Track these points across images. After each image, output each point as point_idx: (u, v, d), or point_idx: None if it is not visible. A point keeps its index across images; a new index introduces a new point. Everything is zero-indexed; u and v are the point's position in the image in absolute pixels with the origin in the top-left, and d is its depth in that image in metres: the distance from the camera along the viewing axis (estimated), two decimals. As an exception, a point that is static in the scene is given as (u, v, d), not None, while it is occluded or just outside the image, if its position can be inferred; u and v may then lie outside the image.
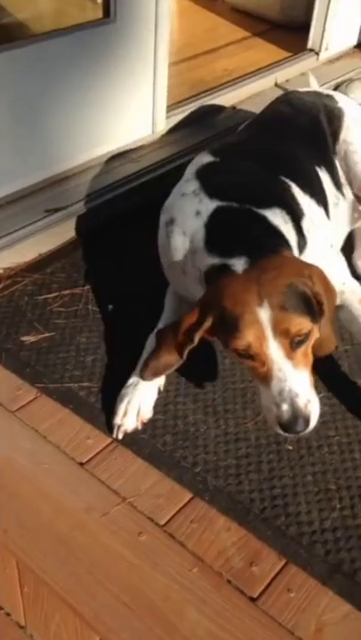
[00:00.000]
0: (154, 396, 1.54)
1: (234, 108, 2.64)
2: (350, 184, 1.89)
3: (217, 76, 2.74)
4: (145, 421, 1.49)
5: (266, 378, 1.27)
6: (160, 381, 1.56)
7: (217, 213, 1.49)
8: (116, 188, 2.18)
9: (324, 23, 2.84)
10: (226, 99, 2.62)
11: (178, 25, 3.16)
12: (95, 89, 2.13)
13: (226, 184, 1.56)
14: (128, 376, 1.56)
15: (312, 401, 1.28)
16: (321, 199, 1.72)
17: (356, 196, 1.91)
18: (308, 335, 1.29)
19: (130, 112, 2.30)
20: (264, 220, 1.46)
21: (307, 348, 1.31)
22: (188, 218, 1.53)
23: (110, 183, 2.18)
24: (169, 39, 2.24)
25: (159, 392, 1.56)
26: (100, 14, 2.11)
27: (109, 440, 1.46)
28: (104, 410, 1.52)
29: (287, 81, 2.82)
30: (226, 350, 1.38)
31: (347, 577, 1.23)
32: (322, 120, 1.87)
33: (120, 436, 1.47)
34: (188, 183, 1.61)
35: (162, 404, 1.55)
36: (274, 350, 1.26)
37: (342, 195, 1.89)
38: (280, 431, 1.27)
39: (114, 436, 1.47)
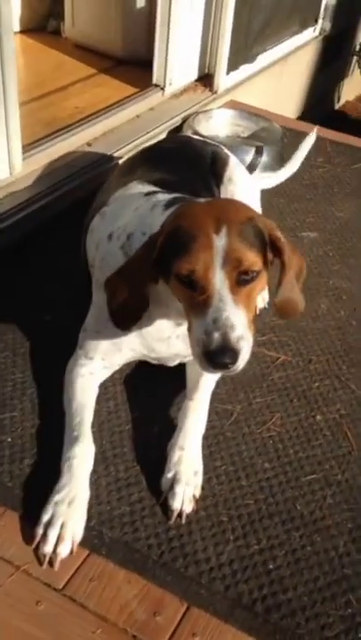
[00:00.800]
0: (86, 507, 1.39)
1: (89, 144, 2.65)
2: None
3: (69, 114, 2.74)
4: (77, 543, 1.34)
5: (203, 307, 1.20)
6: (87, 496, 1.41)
7: (175, 198, 1.49)
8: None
9: (166, 59, 2.94)
10: (81, 136, 2.63)
11: (24, 64, 3.13)
12: None
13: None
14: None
15: (245, 339, 1.20)
16: None
17: None
18: (256, 276, 1.24)
19: (-16, 156, 2.24)
20: None
21: (251, 290, 1.25)
22: (145, 218, 1.46)
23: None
24: (17, 79, 2.21)
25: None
26: None
27: (-4, 508, 1.40)
28: (-13, 476, 1.45)
29: (138, 116, 2.88)
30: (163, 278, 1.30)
31: (247, 610, 1.27)
32: (208, 163, 2.00)
33: (57, 568, 1.30)
34: (140, 200, 1.55)
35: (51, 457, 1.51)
36: (219, 279, 1.19)
37: None
38: (205, 365, 1.20)
39: (45, 567, 1.30)
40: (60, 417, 1.55)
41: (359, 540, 1.42)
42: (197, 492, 1.47)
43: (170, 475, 1.48)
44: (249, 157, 2.71)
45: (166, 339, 1.52)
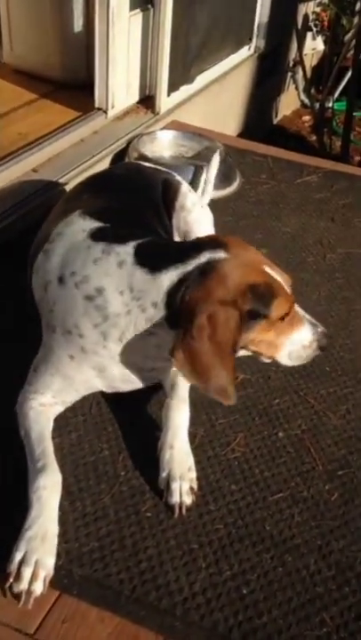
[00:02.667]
0: (56, 541, 1.37)
1: (35, 170, 2.63)
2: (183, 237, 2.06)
3: (13, 141, 2.70)
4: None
5: (297, 323, 1.48)
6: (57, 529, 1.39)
7: (138, 249, 1.45)
8: None
9: (107, 83, 2.94)
10: (26, 163, 2.60)
11: None
12: None
13: (129, 233, 1.52)
14: None
15: None
16: None
17: None
18: None
19: None
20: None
21: None
22: (113, 275, 1.43)
23: None
24: None
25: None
26: None
27: None
28: None
29: (82, 140, 2.87)
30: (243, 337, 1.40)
31: (224, 638, 1.26)
32: (159, 191, 2.00)
33: (31, 606, 1.28)
34: (92, 249, 1.49)
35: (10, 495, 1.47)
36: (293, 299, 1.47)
37: None
38: (317, 352, 1.53)
39: (21, 605, 1.26)
40: (17, 452, 1.51)
41: (329, 557, 1.43)
42: (194, 484, 1.53)
43: (164, 474, 1.52)
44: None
45: (132, 377, 1.53)
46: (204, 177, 2.72)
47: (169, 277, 1.38)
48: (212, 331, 1.31)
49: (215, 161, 2.53)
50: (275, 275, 1.43)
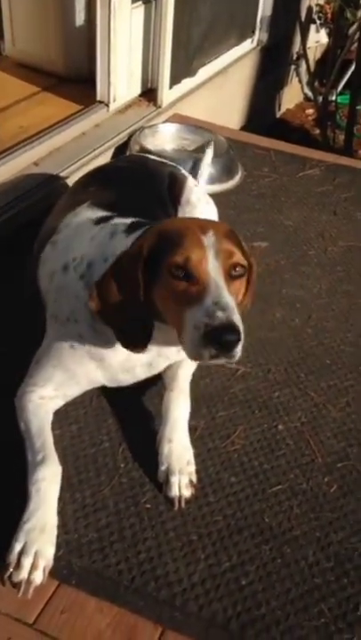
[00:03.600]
0: (56, 532, 1.37)
1: (36, 164, 2.63)
2: None
3: (14, 134, 2.70)
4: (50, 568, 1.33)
5: (200, 294, 1.22)
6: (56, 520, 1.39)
7: (133, 223, 1.51)
8: None
9: (108, 76, 2.93)
10: (27, 156, 2.60)
11: None
12: None
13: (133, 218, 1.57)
14: None
15: (242, 329, 1.21)
16: None
17: None
18: (243, 274, 1.33)
19: None
20: None
21: (239, 287, 1.34)
22: (105, 245, 1.49)
23: None
24: None
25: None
26: None
27: None
28: None
29: (84, 134, 2.87)
30: (156, 283, 1.30)
31: (222, 629, 1.27)
32: (165, 185, 2.01)
33: (30, 595, 1.28)
34: (92, 230, 1.56)
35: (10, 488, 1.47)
36: (213, 268, 1.26)
37: None
38: (206, 347, 1.18)
39: (21, 595, 1.27)
40: (17, 448, 1.51)
41: (327, 549, 1.43)
42: (194, 478, 1.53)
43: (163, 467, 1.53)
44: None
45: (131, 368, 1.52)
46: (212, 170, 2.73)
47: (134, 236, 1.43)
48: (120, 268, 1.34)
49: (210, 150, 2.53)
50: (208, 242, 1.28)
